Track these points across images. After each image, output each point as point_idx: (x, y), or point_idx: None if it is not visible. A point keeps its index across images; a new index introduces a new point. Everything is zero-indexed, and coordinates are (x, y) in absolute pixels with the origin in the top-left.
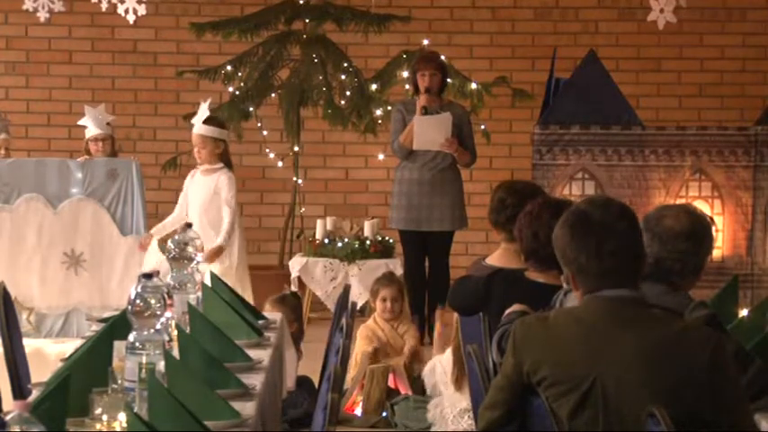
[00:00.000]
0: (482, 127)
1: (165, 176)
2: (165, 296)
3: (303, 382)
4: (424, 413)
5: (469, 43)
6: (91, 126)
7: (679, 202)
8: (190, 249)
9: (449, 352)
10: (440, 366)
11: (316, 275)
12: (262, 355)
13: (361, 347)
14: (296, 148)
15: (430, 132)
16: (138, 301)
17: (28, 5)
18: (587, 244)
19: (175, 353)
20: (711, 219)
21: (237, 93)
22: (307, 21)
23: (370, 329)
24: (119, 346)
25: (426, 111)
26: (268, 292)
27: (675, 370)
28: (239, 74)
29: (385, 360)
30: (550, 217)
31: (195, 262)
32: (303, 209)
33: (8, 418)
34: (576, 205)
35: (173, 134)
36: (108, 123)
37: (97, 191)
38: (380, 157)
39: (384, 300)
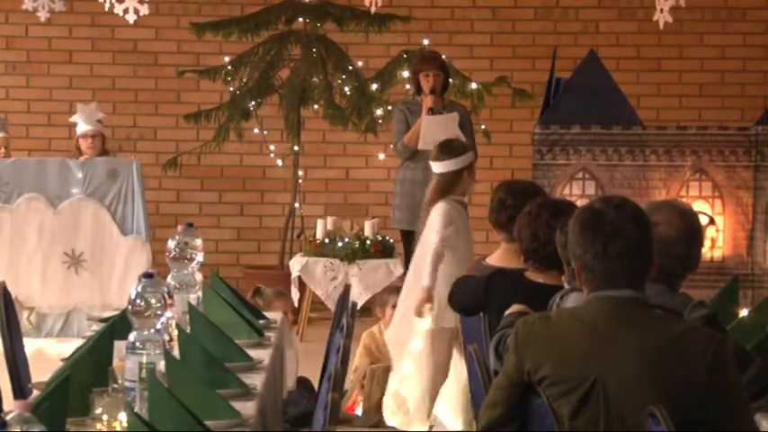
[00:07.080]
0: (482, 127)
1: (165, 176)
2: (166, 296)
3: (302, 381)
4: None
5: (470, 43)
6: (81, 123)
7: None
8: (190, 249)
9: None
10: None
11: (316, 275)
12: (262, 355)
13: (361, 357)
14: (296, 148)
15: (437, 132)
16: (138, 301)
17: (28, 5)
18: (595, 243)
19: (176, 353)
20: (712, 219)
21: (238, 92)
22: (307, 20)
23: (374, 339)
24: (119, 346)
25: (432, 112)
26: None
27: (676, 370)
28: (239, 73)
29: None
30: (549, 217)
31: (195, 262)
32: (303, 209)
33: (9, 417)
34: (591, 202)
35: (173, 134)
36: (99, 120)
37: (98, 191)
38: (381, 156)
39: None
